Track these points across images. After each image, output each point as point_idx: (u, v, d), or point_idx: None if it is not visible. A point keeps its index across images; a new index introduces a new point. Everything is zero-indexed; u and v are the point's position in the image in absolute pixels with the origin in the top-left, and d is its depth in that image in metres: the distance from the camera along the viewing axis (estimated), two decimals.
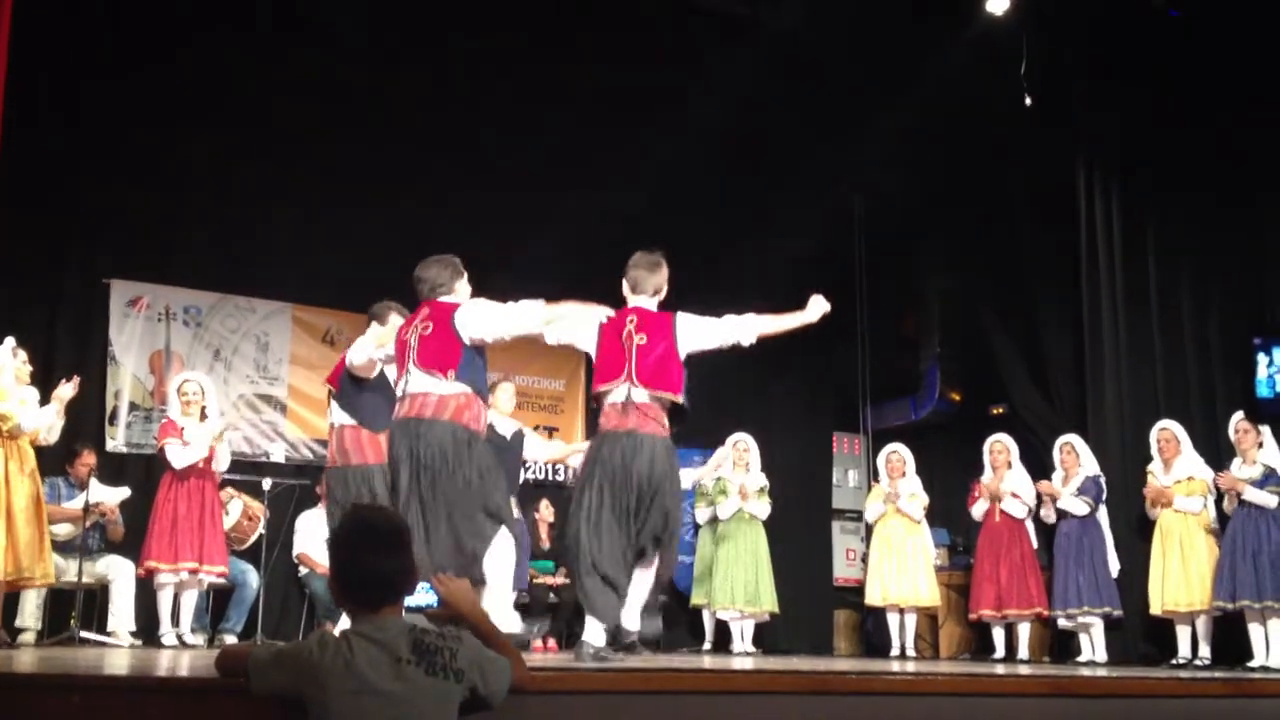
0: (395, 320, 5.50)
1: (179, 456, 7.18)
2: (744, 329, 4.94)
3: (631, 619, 4.86)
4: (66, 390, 6.56)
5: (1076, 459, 8.29)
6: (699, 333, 4.90)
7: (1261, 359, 7.43)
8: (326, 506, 6.29)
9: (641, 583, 4.86)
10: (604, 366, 4.90)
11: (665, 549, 4.83)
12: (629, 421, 4.76)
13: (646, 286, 4.98)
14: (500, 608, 4.68)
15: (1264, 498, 7.27)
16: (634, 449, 4.72)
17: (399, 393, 4.90)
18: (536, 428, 10.09)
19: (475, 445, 4.75)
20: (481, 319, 4.83)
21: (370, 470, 5.65)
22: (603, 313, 4.95)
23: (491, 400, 6.49)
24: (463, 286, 5.03)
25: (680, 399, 4.83)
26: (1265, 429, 7.48)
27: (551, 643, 8.37)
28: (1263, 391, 7.42)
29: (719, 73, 8.49)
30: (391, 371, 5.57)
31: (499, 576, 4.75)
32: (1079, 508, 8.13)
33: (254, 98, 8.28)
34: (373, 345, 5.52)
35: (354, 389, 5.73)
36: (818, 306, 5.01)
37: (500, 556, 4.75)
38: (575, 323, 4.97)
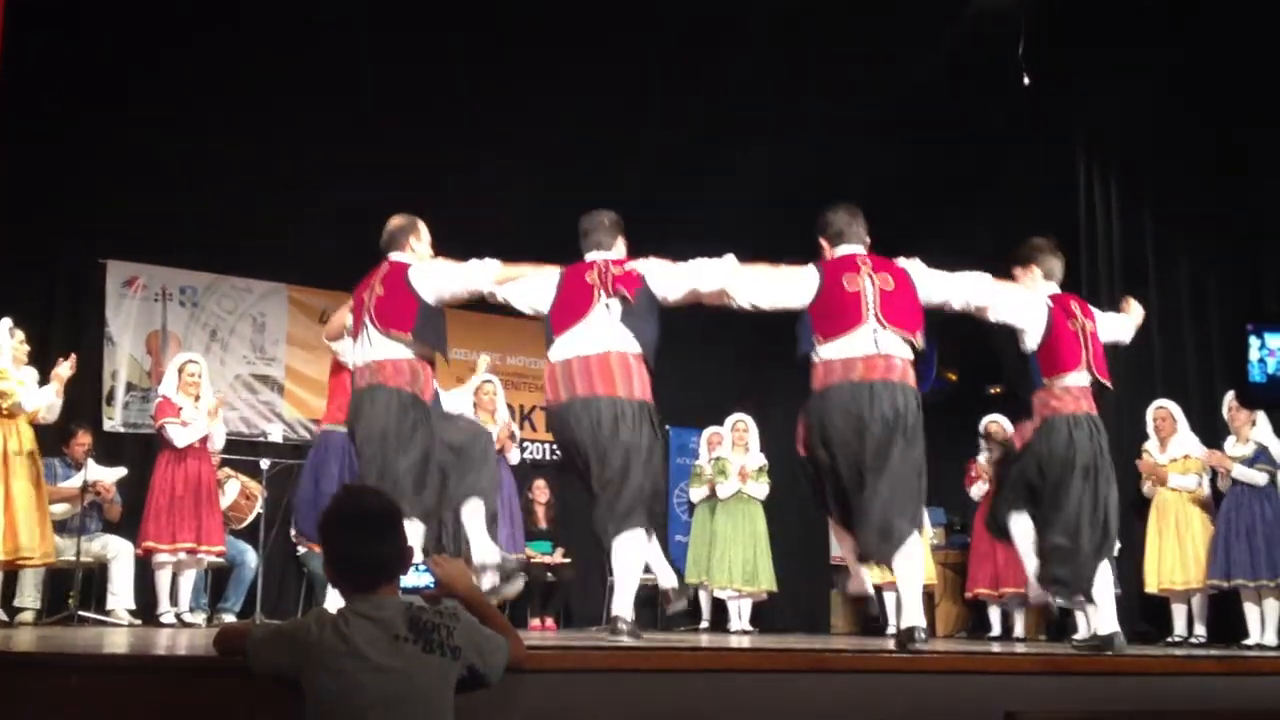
0: (425, 231, 5.07)
1: (180, 435, 7.19)
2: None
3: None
4: (64, 369, 6.56)
5: None
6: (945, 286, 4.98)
7: (1254, 344, 7.39)
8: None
9: None
10: (839, 317, 4.67)
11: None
12: (876, 371, 4.65)
13: (860, 235, 4.95)
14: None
15: (1253, 475, 7.30)
16: (884, 395, 4.62)
17: (577, 349, 4.66)
18: (533, 409, 10.12)
19: (629, 412, 4.59)
20: (658, 276, 4.76)
21: (405, 395, 4.70)
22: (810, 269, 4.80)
23: None
24: (618, 244, 4.92)
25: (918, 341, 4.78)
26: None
27: (550, 622, 8.40)
28: (1255, 376, 7.39)
29: (712, 53, 8.46)
30: None
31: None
32: None
33: (249, 78, 8.23)
34: (489, 276, 4.80)
35: (435, 320, 4.84)
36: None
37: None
38: (780, 279, 4.79)
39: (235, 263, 8.94)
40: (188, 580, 7.28)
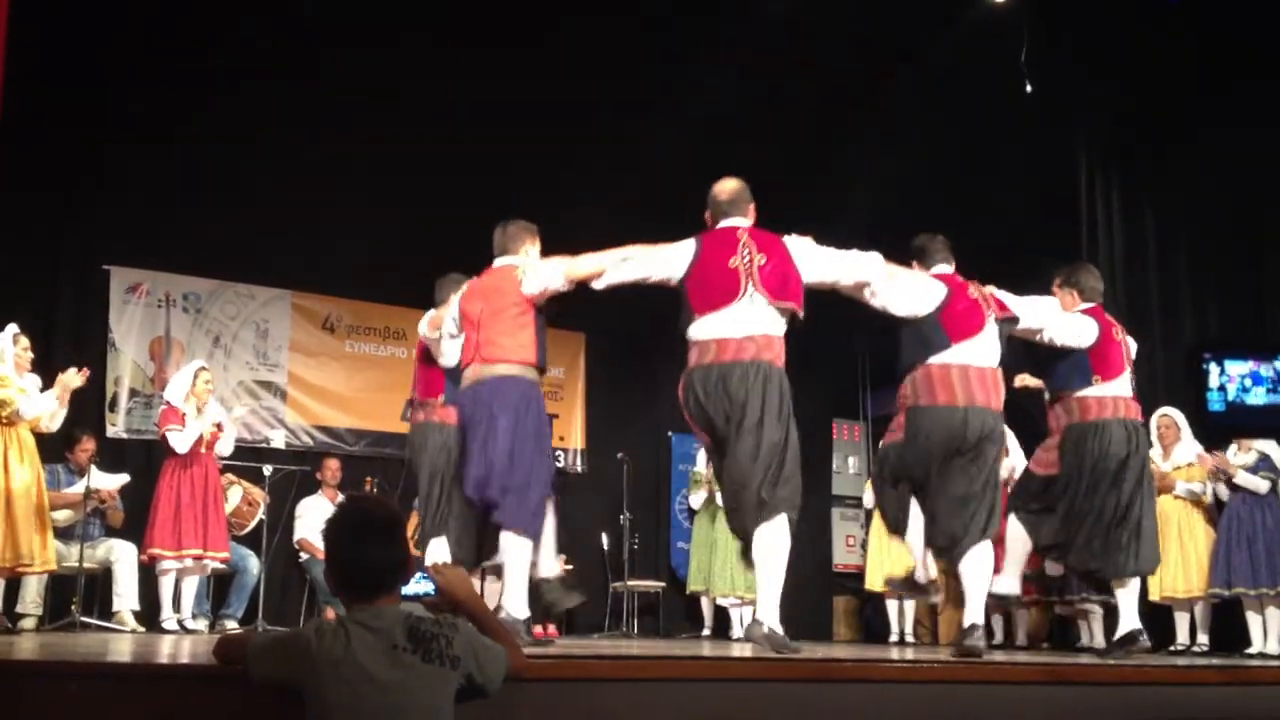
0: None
1: (181, 441, 7.20)
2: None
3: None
4: (76, 380, 6.53)
5: None
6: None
7: (1213, 371, 7.33)
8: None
9: None
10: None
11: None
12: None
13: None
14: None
15: (1256, 482, 7.30)
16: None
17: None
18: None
19: None
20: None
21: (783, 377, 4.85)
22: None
23: None
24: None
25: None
26: None
27: (552, 628, 8.37)
28: (1213, 405, 7.34)
29: (716, 61, 8.47)
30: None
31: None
32: None
33: (254, 84, 8.26)
34: (879, 270, 4.86)
35: None
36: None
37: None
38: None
39: (239, 269, 8.94)
40: (190, 586, 7.29)
